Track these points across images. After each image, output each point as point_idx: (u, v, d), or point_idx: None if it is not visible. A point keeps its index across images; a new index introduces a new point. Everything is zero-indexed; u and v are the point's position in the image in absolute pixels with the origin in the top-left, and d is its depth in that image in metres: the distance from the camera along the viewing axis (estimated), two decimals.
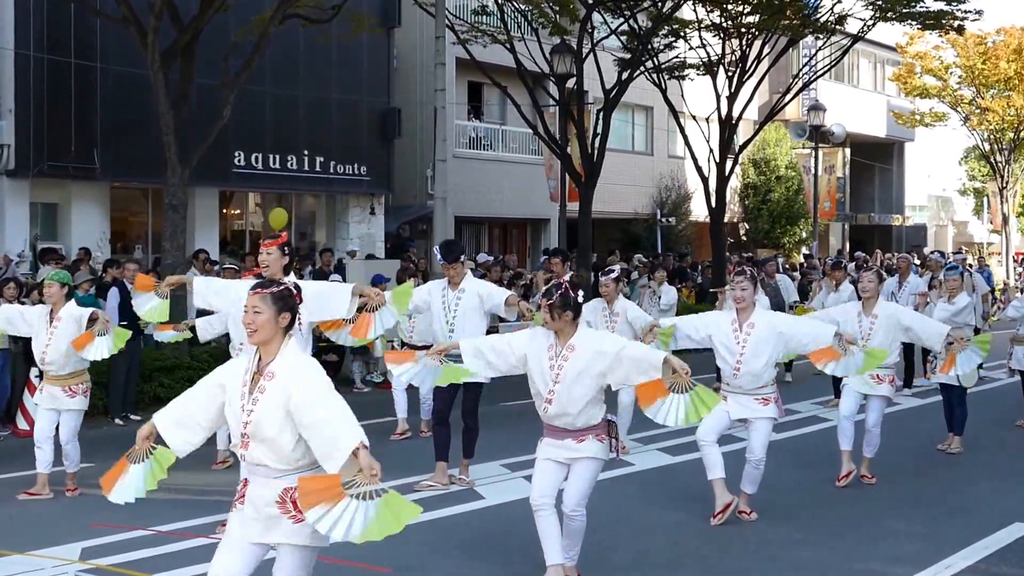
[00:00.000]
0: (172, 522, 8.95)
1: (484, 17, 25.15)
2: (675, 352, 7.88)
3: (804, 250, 39.71)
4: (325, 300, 8.76)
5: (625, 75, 24.50)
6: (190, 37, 16.50)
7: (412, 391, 13.20)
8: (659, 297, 17.73)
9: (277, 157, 23.08)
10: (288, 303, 5.32)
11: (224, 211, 24.30)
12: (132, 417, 14.66)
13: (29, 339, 10.78)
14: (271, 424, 5.18)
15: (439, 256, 11.14)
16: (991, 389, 17.19)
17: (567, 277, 14.54)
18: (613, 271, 12.54)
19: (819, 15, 26.81)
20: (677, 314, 17.67)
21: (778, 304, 17.97)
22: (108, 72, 20.02)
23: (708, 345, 9.27)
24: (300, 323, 7.32)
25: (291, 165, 23.33)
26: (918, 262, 26.77)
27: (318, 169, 23.86)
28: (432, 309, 10.92)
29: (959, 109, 43.40)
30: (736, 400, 9.14)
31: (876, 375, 10.58)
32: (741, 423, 9.35)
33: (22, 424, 13.59)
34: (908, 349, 16.83)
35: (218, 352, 14.49)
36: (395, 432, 13.46)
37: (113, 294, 15.13)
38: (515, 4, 24.08)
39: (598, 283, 23.82)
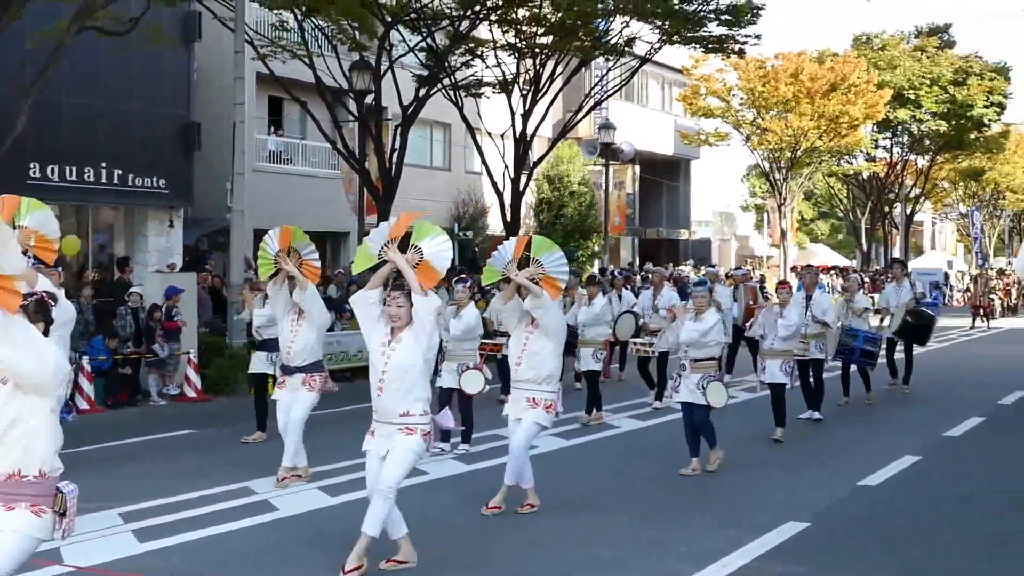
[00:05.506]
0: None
1: (284, 32, 25.32)
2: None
3: (597, 263, 40.93)
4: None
5: (423, 92, 25.06)
6: None
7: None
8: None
9: (75, 169, 22.79)
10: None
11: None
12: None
13: None
14: None
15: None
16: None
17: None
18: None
19: (609, 37, 27.91)
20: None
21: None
22: None
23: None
24: None
25: (88, 177, 23.05)
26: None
27: (116, 181, 23.62)
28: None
29: (741, 129, 45.39)
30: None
31: (531, 398, 9.71)
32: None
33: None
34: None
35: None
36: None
37: None
38: (314, 20, 24.29)
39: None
